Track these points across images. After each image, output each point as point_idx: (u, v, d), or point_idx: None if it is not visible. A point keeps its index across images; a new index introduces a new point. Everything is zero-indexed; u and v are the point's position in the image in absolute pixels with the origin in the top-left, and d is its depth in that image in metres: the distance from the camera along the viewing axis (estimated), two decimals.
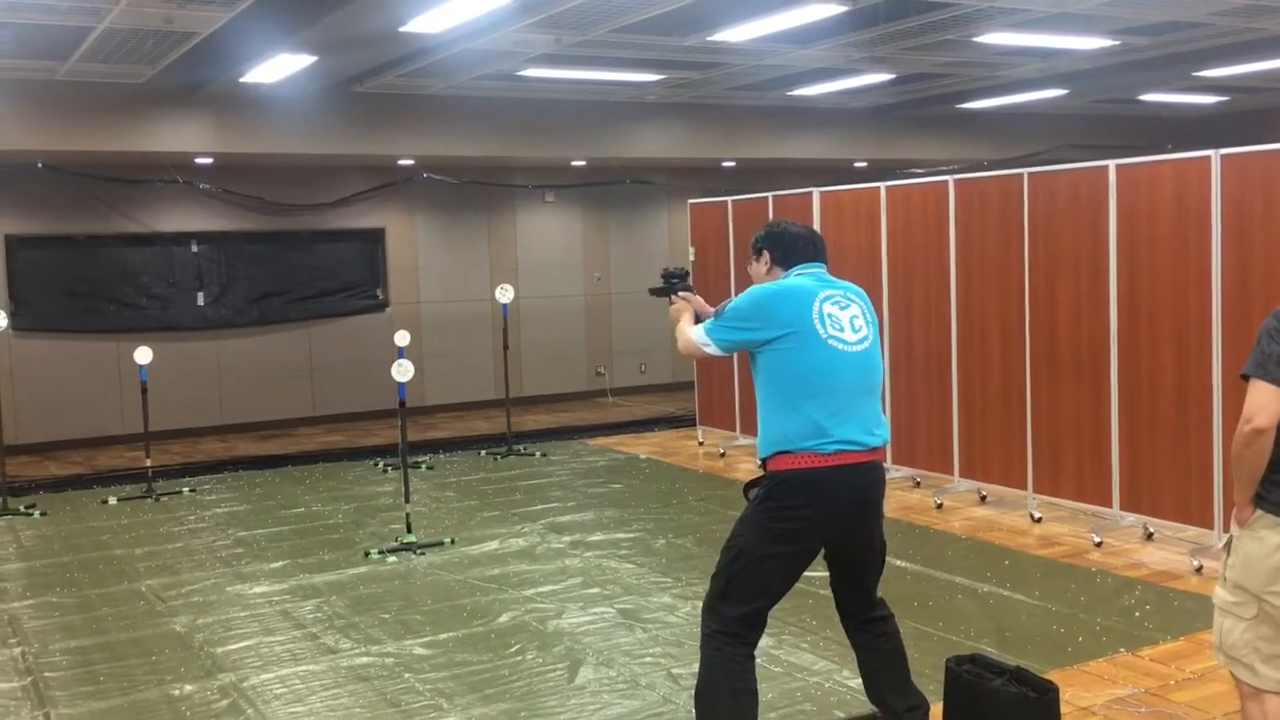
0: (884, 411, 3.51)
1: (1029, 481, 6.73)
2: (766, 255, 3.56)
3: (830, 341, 3.31)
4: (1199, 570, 5.61)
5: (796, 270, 3.47)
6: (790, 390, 3.32)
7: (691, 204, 9.73)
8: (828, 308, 3.35)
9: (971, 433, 7.15)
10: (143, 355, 8.16)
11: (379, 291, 11.63)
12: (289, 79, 8.57)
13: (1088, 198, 6.32)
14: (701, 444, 9.59)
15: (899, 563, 5.79)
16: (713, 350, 3.44)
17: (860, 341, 3.35)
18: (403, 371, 6.50)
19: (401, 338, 8.05)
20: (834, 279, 3.47)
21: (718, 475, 8.37)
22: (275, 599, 5.62)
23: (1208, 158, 5.70)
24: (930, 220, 7.36)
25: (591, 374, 12.66)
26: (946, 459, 7.32)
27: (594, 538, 6.63)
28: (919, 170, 11.87)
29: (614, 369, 12.74)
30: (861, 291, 3.52)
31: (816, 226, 7.42)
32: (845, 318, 3.36)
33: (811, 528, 3.29)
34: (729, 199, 9.23)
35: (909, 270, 7.47)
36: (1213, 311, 5.73)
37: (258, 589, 5.80)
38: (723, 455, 9.09)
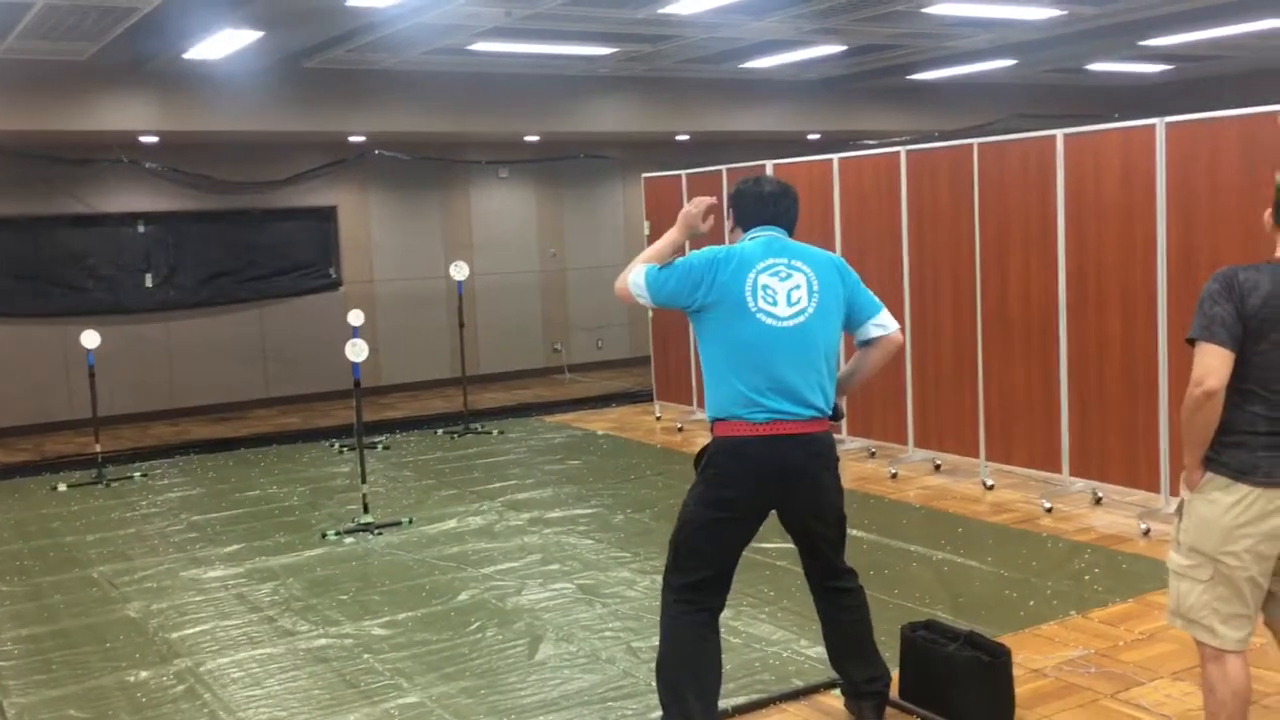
0: (836, 378, 3.42)
1: (981, 450, 6.81)
2: (732, 213, 3.50)
3: (759, 315, 3.27)
4: (1146, 533, 5.70)
5: (752, 233, 3.42)
6: (719, 361, 3.32)
7: (645, 178, 9.72)
8: (764, 279, 3.29)
9: (925, 403, 7.21)
10: (90, 339, 8.01)
11: (332, 270, 11.53)
12: (235, 55, 8.42)
13: (1036, 167, 6.36)
14: (659, 419, 9.65)
15: (855, 532, 5.79)
16: (644, 298, 3.36)
17: (795, 315, 3.28)
18: (357, 351, 6.45)
19: (356, 317, 7.97)
20: (789, 244, 3.40)
21: (675, 450, 8.40)
22: (231, 583, 5.57)
23: (1153, 126, 5.74)
24: (883, 191, 7.38)
25: (548, 351, 12.65)
26: (901, 429, 7.39)
27: (552, 515, 6.64)
28: (871, 141, 11.90)
29: (570, 345, 12.74)
30: (821, 258, 3.38)
31: None
32: (783, 290, 3.30)
33: (746, 496, 3.28)
34: (683, 173, 9.22)
35: (863, 241, 7.49)
36: (1158, 278, 5.79)
37: (212, 573, 5.75)
38: (680, 430, 9.13)
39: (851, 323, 3.43)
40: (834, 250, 7.61)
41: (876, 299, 3.48)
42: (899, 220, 7.26)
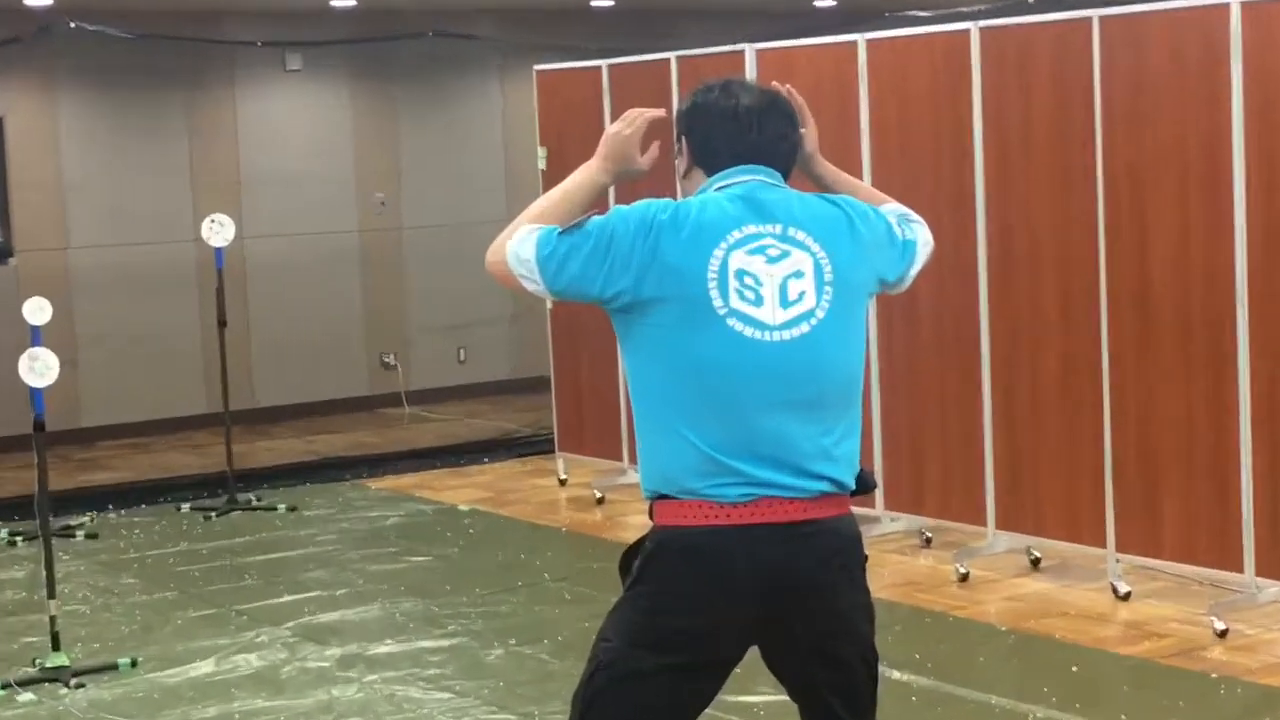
0: (862, 429, 3.45)
1: (1109, 533, 6.86)
2: (685, 145, 3.52)
3: (732, 322, 3.28)
4: None
5: (720, 179, 3.45)
6: (663, 398, 3.34)
7: (539, 72, 9.73)
8: (741, 259, 3.30)
9: (1014, 454, 7.25)
10: None
11: None
12: None
13: (1199, 53, 6.41)
14: (564, 483, 9.63)
15: (896, 674, 5.85)
16: (534, 282, 3.35)
17: (796, 322, 3.30)
18: (40, 370, 6.38)
19: (36, 310, 7.88)
20: (785, 197, 3.43)
21: (592, 537, 8.41)
22: None
23: None
24: (941, 95, 7.44)
25: (374, 366, 12.63)
26: (973, 499, 7.42)
27: (381, 649, 6.62)
28: (921, 12, 11.99)
29: (413, 358, 12.71)
30: (827, 215, 3.43)
31: None
32: (774, 278, 3.31)
33: (708, 628, 3.29)
34: (603, 63, 9.24)
35: (907, 180, 7.47)
36: None
37: None
38: (600, 502, 9.14)
39: (889, 284, 3.59)
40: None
41: (899, 225, 3.59)
42: (969, 144, 7.30)
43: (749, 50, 8.20)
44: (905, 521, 7.88)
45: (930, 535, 7.83)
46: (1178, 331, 6.62)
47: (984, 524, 7.41)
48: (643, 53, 9.19)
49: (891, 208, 3.64)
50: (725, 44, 8.54)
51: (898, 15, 11.86)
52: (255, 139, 12.23)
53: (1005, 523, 7.33)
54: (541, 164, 9.56)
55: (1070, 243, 6.99)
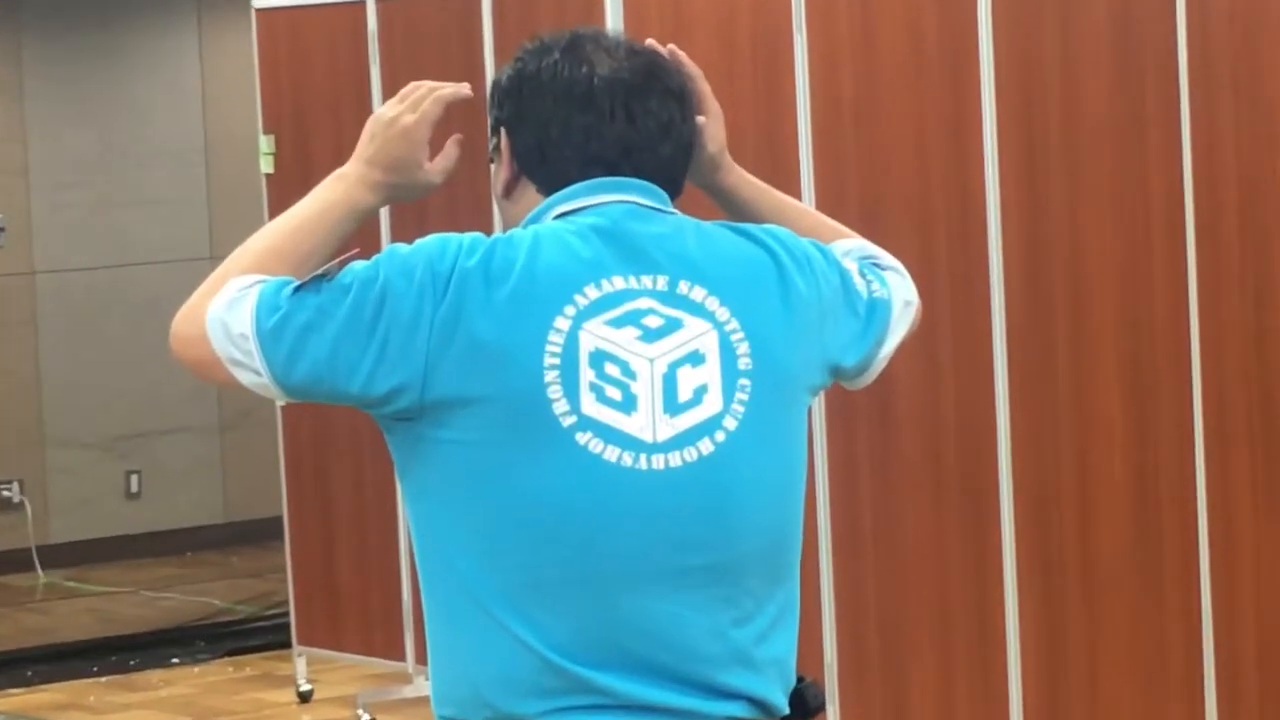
0: (801, 613, 3.50)
1: None
2: (507, 146, 3.41)
3: (584, 437, 3.21)
4: None
5: (565, 200, 3.37)
6: (471, 568, 3.25)
7: (260, 11, 9.90)
8: (600, 334, 3.24)
9: (1055, 650, 7.43)
10: None
11: None
12: None
13: None
14: (307, 698, 9.75)
15: None
16: (254, 371, 3.26)
17: (689, 438, 3.25)
18: None
19: None
20: (674, 225, 3.37)
21: None
22: None
23: None
24: (928, 60, 7.64)
25: None
26: (993, 702, 7.53)
27: None
28: None
29: (49, 488, 12.95)
30: (741, 258, 3.39)
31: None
32: (655, 364, 3.27)
33: None
34: None
35: (869, 202, 7.70)
36: None
37: None
38: None
39: (845, 372, 3.59)
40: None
41: (863, 275, 3.58)
42: (976, 134, 7.38)
43: None
44: None
45: None
46: None
47: None
48: None
49: (850, 245, 3.66)
50: None
51: None
52: None
53: None
54: (267, 166, 9.55)
55: (1139, 309, 7.17)
